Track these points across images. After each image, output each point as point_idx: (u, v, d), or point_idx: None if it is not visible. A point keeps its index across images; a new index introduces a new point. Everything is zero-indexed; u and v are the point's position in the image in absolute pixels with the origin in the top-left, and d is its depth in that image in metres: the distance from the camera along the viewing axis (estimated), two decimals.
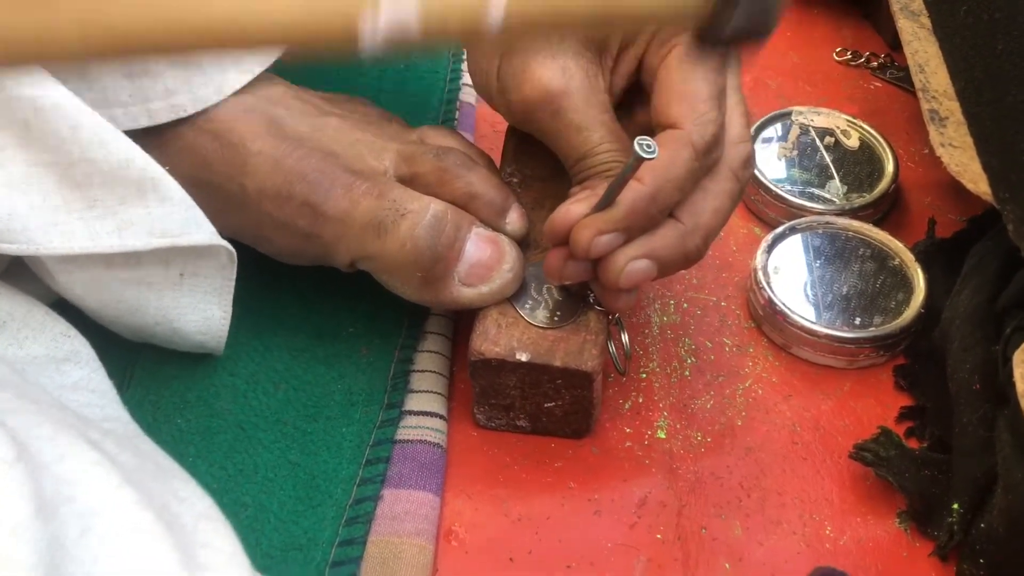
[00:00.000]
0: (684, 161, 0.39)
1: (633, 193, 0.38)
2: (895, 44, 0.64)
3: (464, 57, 0.60)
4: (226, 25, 0.26)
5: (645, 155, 0.36)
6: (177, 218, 0.39)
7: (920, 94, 0.48)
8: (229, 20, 0.26)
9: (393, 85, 0.59)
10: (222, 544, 0.29)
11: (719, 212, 0.41)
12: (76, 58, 0.27)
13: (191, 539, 0.28)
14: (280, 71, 0.46)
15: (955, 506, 0.42)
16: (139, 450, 0.33)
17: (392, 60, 0.60)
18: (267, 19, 0.27)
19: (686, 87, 0.40)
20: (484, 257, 0.43)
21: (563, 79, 0.41)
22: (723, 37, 0.32)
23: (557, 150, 0.43)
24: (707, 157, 0.40)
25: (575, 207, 0.40)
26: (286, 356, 0.47)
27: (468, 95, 0.59)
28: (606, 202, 0.39)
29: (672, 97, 0.40)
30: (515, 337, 0.43)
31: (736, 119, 0.41)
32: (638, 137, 0.36)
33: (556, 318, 0.43)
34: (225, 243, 0.41)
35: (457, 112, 0.59)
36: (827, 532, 0.43)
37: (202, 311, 0.43)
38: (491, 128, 0.59)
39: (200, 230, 0.40)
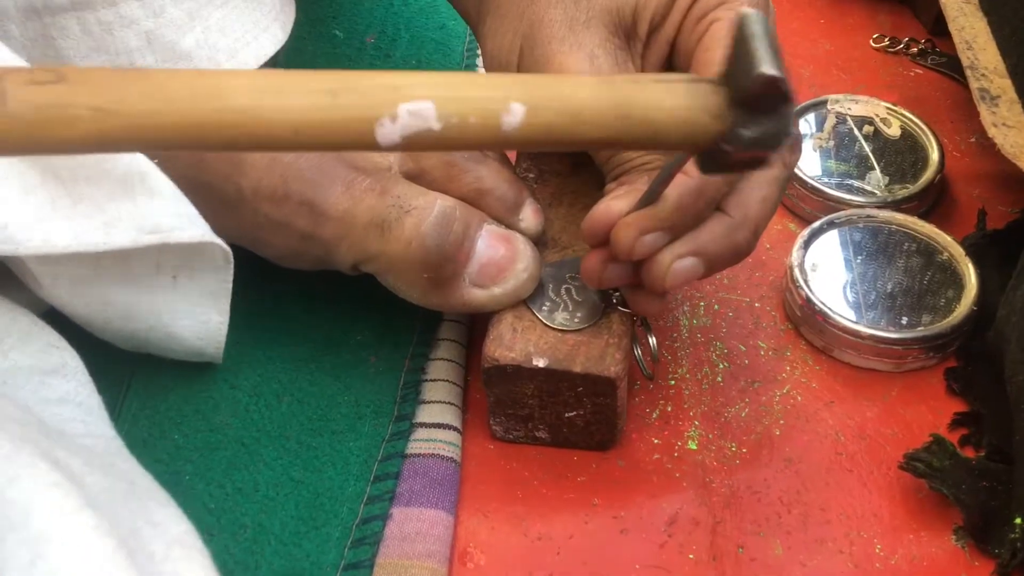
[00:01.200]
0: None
1: (680, 187, 0.36)
2: (936, 29, 0.61)
3: (479, 51, 0.58)
4: (241, 122, 0.26)
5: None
6: (167, 213, 0.37)
7: (968, 72, 0.45)
8: (245, 116, 0.26)
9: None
10: (193, 573, 0.26)
11: (767, 201, 0.38)
12: (88, 147, 0.27)
13: (158, 568, 0.25)
14: (279, 60, 0.44)
15: (1018, 520, 0.38)
16: (114, 469, 0.31)
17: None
18: (283, 118, 0.27)
19: None
20: (496, 256, 0.40)
21: (591, 68, 0.38)
22: (735, 156, 0.30)
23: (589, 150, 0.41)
24: None
25: (615, 204, 0.37)
26: (290, 366, 0.44)
27: None
28: (650, 198, 0.36)
29: None
30: (532, 342, 0.40)
31: None
32: None
33: (576, 320, 0.40)
34: (220, 241, 0.39)
35: None
36: (877, 551, 0.39)
37: (198, 315, 0.41)
38: None
39: (192, 226, 0.37)
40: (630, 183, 0.38)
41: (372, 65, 0.58)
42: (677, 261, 0.37)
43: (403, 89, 0.27)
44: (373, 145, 0.27)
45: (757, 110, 0.28)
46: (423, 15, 0.61)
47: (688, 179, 0.36)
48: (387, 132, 0.27)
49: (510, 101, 0.27)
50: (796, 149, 0.39)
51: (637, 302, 0.40)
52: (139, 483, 0.31)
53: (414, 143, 0.27)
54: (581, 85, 0.29)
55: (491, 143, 0.28)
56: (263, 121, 0.26)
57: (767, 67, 0.27)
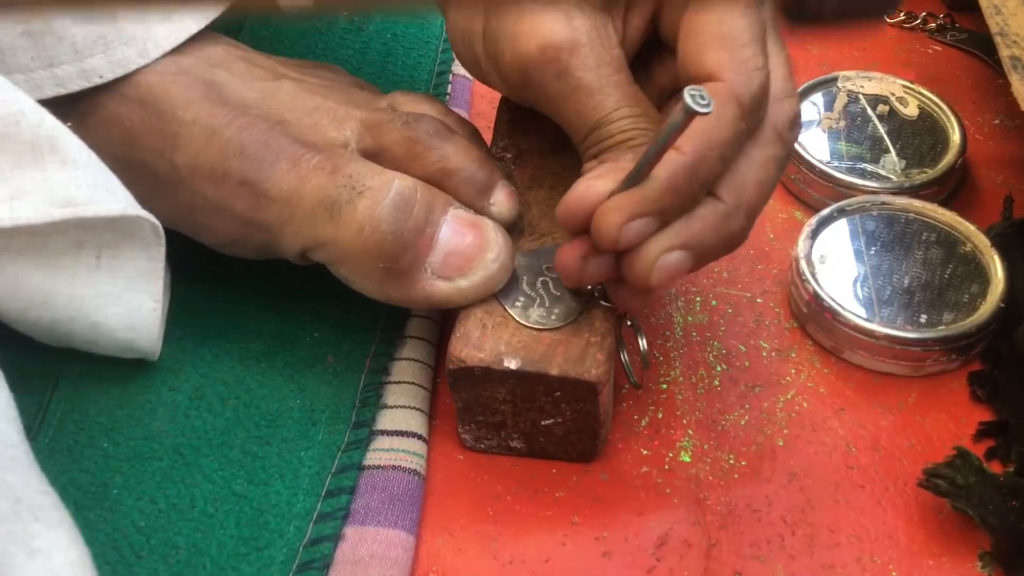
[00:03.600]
0: (729, 121, 0.32)
1: (671, 165, 0.31)
2: (955, 4, 0.57)
3: None
4: None
5: (699, 109, 0.28)
6: (82, 184, 0.32)
7: (998, 39, 0.40)
8: None
9: (378, 56, 0.52)
10: None
11: (764, 184, 0.34)
12: None
13: None
14: (244, 36, 0.39)
15: None
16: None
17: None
18: None
19: (723, 28, 0.33)
20: (463, 244, 0.35)
21: (568, 31, 0.34)
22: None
23: (563, 120, 0.36)
24: (754, 115, 0.33)
25: (597, 183, 0.32)
26: (238, 366, 0.40)
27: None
28: (637, 177, 0.32)
29: (707, 41, 0.33)
30: (503, 340, 0.35)
31: (777, 69, 0.34)
32: (688, 87, 0.28)
33: (553, 317, 0.36)
34: (146, 214, 0.34)
35: (450, 86, 0.51)
36: None
37: (127, 301, 0.36)
38: (490, 105, 0.52)
39: (113, 199, 0.33)
40: (612, 160, 0.33)
41: (344, 40, 0.53)
42: (664, 255, 0.32)
43: None
44: None
45: None
46: None
47: (680, 156, 0.31)
48: None
49: None
50: (795, 125, 0.35)
51: (620, 297, 0.35)
52: (27, 500, 0.27)
53: None
54: None
55: None
56: None
57: None
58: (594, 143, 0.35)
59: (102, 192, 0.33)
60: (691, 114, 0.28)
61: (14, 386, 0.33)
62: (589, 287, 0.36)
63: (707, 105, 0.28)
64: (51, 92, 0.35)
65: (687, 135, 0.31)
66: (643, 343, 0.38)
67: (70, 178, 0.32)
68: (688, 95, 0.28)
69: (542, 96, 0.36)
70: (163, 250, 0.36)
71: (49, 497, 0.28)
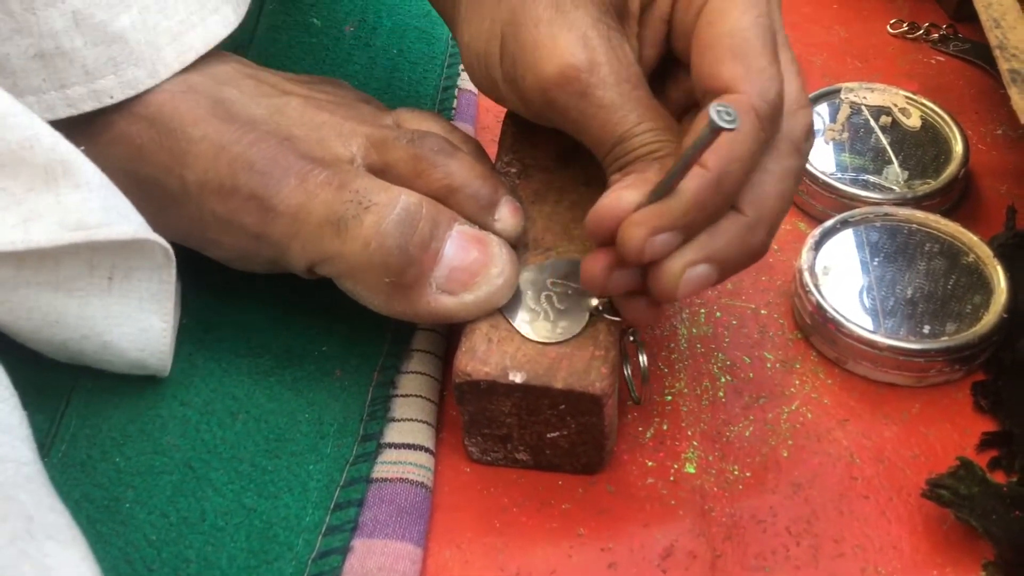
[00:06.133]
0: (748, 134, 0.32)
1: (696, 180, 0.31)
2: (958, 14, 0.57)
3: None
4: None
5: (724, 125, 0.28)
6: (94, 207, 0.33)
7: (997, 53, 0.41)
8: None
9: (384, 71, 0.53)
10: None
11: (783, 196, 0.34)
12: None
13: None
14: (250, 53, 0.40)
15: None
16: (11, 501, 0.27)
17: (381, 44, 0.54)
18: None
19: (735, 41, 0.33)
20: (468, 260, 0.36)
21: (585, 52, 0.34)
22: None
23: (587, 137, 0.36)
24: (772, 125, 0.33)
25: (627, 194, 0.33)
26: (247, 380, 0.40)
27: (468, 82, 0.53)
28: (663, 191, 0.32)
29: (721, 55, 0.33)
30: (508, 354, 0.36)
31: (790, 78, 0.34)
32: (714, 103, 0.29)
33: (558, 331, 0.36)
34: (157, 237, 0.35)
35: (455, 101, 0.52)
36: None
37: (137, 321, 0.37)
38: (495, 119, 0.52)
39: (125, 222, 0.33)
40: (639, 172, 0.34)
41: (350, 56, 0.54)
42: (690, 269, 0.32)
43: None
44: None
45: None
46: (406, 1, 0.57)
47: (704, 171, 0.32)
48: None
49: None
50: (810, 135, 0.35)
51: (632, 310, 0.35)
52: (39, 519, 0.27)
53: None
54: None
55: None
56: None
57: None
58: (619, 156, 0.35)
59: (114, 215, 0.33)
60: (717, 130, 0.29)
61: (28, 402, 0.33)
62: (595, 302, 0.36)
63: (732, 121, 0.28)
64: (63, 113, 0.36)
65: (710, 150, 0.31)
66: (643, 359, 0.38)
67: (83, 201, 0.33)
68: (714, 111, 0.28)
69: (565, 117, 0.36)
70: (173, 271, 0.37)
71: (62, 516, 0.28)
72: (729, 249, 0.33)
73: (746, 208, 0.34)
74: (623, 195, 0.33)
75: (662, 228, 0.32)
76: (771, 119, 0.33)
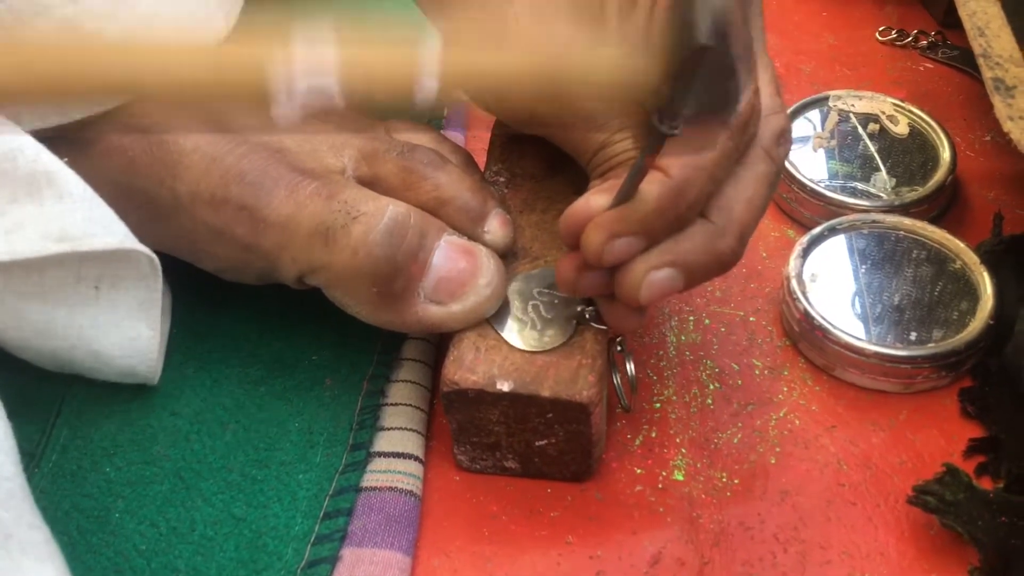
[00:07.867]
0: (717, 142, 0.32)
1: (657, 187, 0.32)
2: (947, 21, 0.57)
3: None
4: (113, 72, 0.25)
5: (667, 132, 0.28)
6: (79, 218, 0.33)
7: (981, 61, 0.41)
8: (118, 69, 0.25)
9: None
10: None
11: (754, 203, 0.34)
12: None
13: None
14: None
15: None
16: None
17: None
18: (165, 77, 0.25)
19: None
20: (456, 270, 0.36)
21: None
22: (679, 115, 0.27)
23: (571, 146, 0.37)
24: (743, 133, 0.33)
25: (595, 199, 0.33)
26: (237, 390, 0.40)
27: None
28: (624, 195, 0.32)
29: None
30: (496, 363, 0.36)
31: (764, 85, 0.34)
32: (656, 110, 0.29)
33: (545, 340, 0.36)
34: (142, 247, 0.35)
35: (446, 110, 0.52)
36: None
37: (126, 330, 0.37)
38: (486, 128, 0.52)
39: (108, 233, 0.34)
40: (616, 178, 0.34)
41: None
42: (652, 272, 0.33)
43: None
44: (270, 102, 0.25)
45: (693, 83, 0.24)
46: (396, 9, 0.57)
47: (666, 178, 0.32)
48: (285, 109, 0.24)
49: (421, 76, 0.24)
50: (785, 141, 0.35)
51: (613, 317, 0.36)
52: (18, 536, 0.27)
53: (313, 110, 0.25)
54: (503, 60, 0.25)
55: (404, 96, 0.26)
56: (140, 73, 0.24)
57: (702, 36, 0.23)
58: (599, 163, 0.35)
59: (98, 227, 0.33)
60: (658, 138, 0.29)
61: (18, 412, 0.33)
62: (580, 309, 0.36)
63: (676, 127, 0.28)
64: (55, 121, 0.36)
65: (675, 155, 0.31)
66: (630, 367, 0.38)
67: (66, 212, 0.33)
68: (656, 118, 0.28)
69: (549, 128, 0.36)
70: (160, 280, 0.37)
71: (40, 532, 0.28)
72: (695, 255, 0.33)
73: (713, 214, 0.34)
74: (592, 199, 0.33)
75: (620, 232, 0.32)
76: (743, 127, 0.33)
